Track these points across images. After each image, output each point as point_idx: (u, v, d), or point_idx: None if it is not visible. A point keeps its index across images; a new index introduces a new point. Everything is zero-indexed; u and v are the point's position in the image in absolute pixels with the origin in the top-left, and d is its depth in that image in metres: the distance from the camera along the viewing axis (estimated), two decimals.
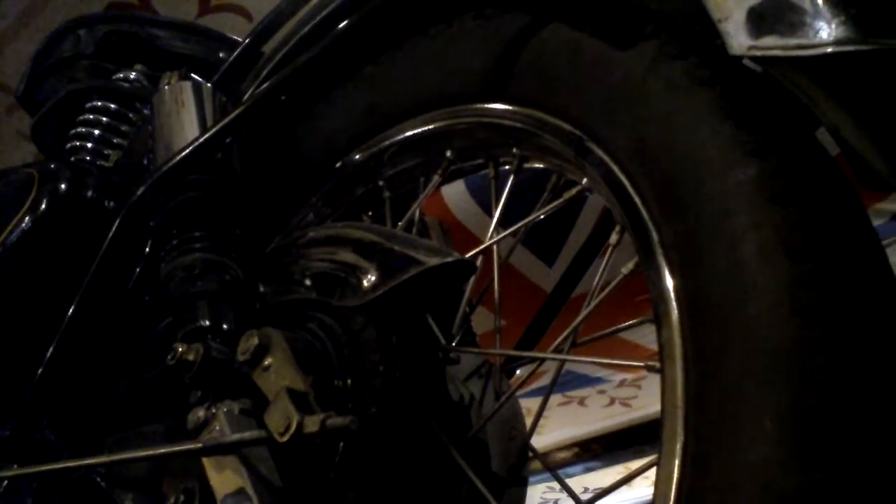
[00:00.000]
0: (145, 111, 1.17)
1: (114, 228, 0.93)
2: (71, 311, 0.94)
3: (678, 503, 0.58)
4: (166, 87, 1.01)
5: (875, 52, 0.59)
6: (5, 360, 0.98)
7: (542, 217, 0.87)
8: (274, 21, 1.07)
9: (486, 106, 0.89)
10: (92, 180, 1.01)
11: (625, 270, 0.74)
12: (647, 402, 4.32)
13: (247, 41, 1.10)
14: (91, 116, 1.17)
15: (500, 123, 0.88)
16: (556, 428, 3.86)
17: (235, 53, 1.10)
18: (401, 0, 0.92)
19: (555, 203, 0.85)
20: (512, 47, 0.85)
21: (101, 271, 0.94)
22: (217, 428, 0.71)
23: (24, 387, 0.95)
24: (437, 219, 1.10)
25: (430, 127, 0.94)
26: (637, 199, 0.71)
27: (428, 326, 0.81)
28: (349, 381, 0.73)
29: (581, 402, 4.07)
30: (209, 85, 1.01)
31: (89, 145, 1.15)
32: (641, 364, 0.69)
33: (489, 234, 0.88)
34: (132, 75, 1.21)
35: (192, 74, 1.04)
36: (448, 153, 0.95)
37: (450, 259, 0.72)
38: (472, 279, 0.87)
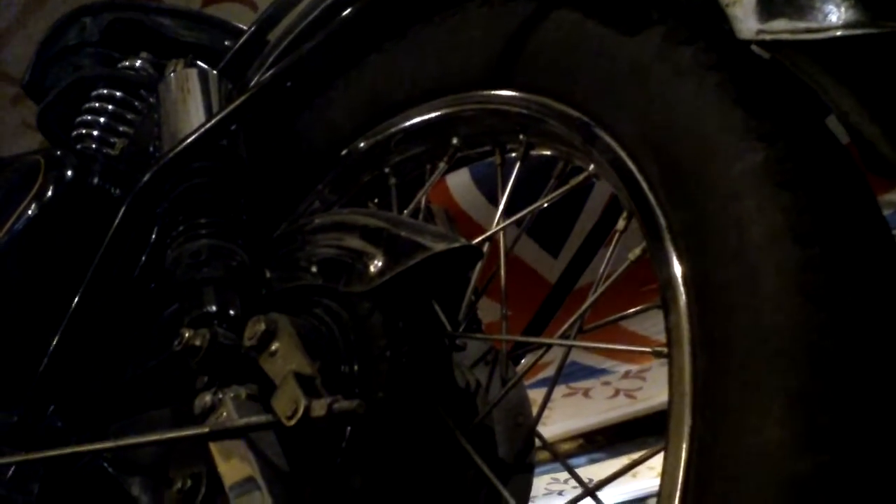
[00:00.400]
0: (151, 99, 1.17)
1: (120, 215, 0.93)
2: (77, 298, 0.94)
3: (686, 488, 0.58)
4: (172, 75, 1.00)
5: (884, 36, 0.58)
6: (12, 348, 0.98)
7: (547, 205, 0.87)
8: (278, 9, 1.07)
9: (492, 92, 0.89)
10: (98, 167, 1.01)
11: (631, 257, 0.74)
12: (651, 393, 4.32)
13: (252, 29, 1.10)
14: (96, 104, 1.17)
15: (507, 110, 0.88)
16: (560, 419, 3.86)
17: (240, 42, 1.10)
18: None
19: (561, 189, 0.84)
20: (518, 33, 0.85)
21: (107, 258, 0.94)
22: (224, 413, 0.71)
23: (31, 373, 0.95)
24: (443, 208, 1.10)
25: (436, 114, 0.94)
26: (644, 185, 0.71)
27: (434, 313, 0.81)
28: (356, 366, 0.74)
29: (586, 393, 4.07)
30: (215, 72, 1.01)
31: (95, 133, 1.15)
32: (649, 350, 0.69)
33: (495, 222, 0.87)
34: (137, 63, 1.21)
35: (198, 62, 1.04)
36: (454, 140, 0.95)
37: (456, 244, 0.72)
38: (479, 266, 0.86)
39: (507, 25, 0.86)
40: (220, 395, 0.73)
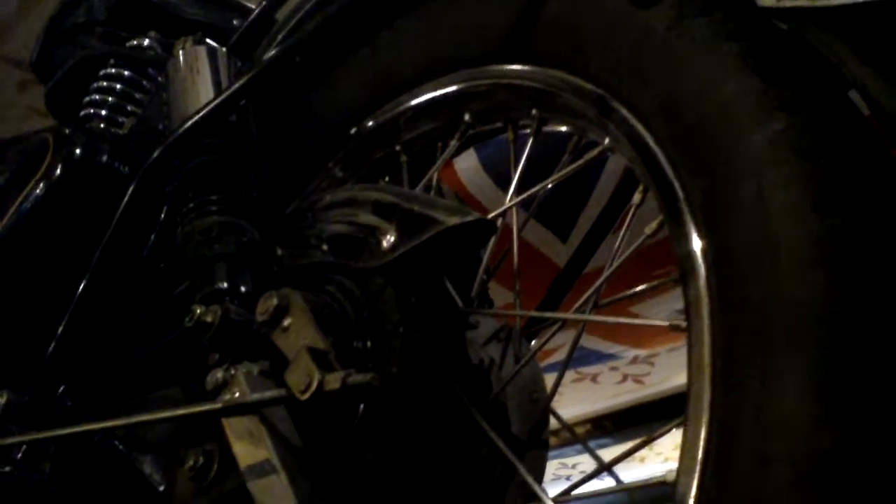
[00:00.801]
0: (159, 78, 1.16)
1: (129, 193, 0.92)
2: (87, 277, 0.94)
3: (706, 463, 0.57)
4: (181, 52, 1.00)
5: None
6: (22, 327, 0.98)
7: (558, 184, 0.86)
8: None
9: (505, 67, 0.87)
10: (107, 145, 1.00)
11: (648, 230, 0.73)
12: (660, 378, 4.32)
13: (260, 8, 1.09)
14: (104, 84, 1.16)
15: (519, 84, 0.86)
16: (569, 404, 3.86)
17: (249, 20, 1.09)
18: None
19: (575, 164, 0.83)
20: (531, 6, 0.84)
21: (117, 237, 0.94)
22: (236, 389, 0.70)
23: (41, 353, 0.95)
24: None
25: (448, 90, 0.93)
26: (662, 157, 0.69)
27: (446, 289, 0.80)
28: (369, 342, 0.73)
29: (594, 378, 4.06)
30: (224, 49, 1.00)
31: (103, 112, 1.14)
32: (665, 324, 0.68)
33: (508, 198, 0.86)
34: (145, 42, 1.20)
35: (207, 39, 1.03)
36: (466, 117, 0.94)
37: (470, 218, 0.71)
38: (491, 243, 0.85)
39: None
40: (232, 372, 0.72)
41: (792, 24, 0.66)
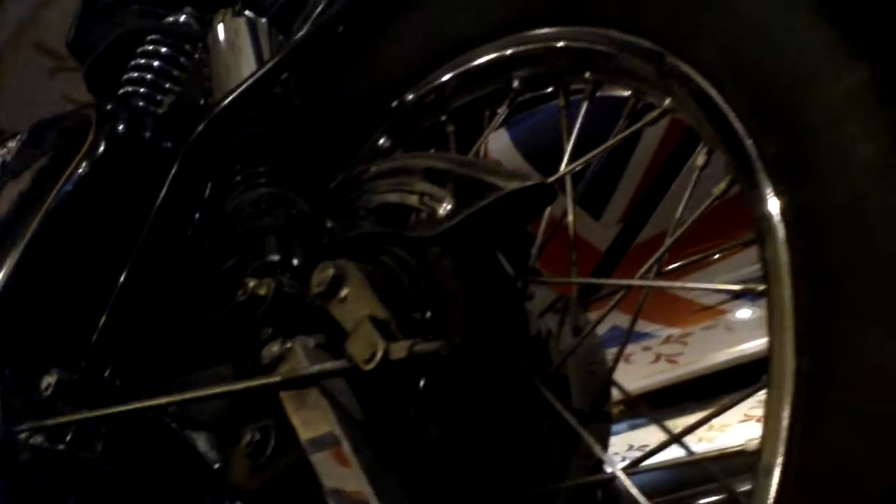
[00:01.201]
0: (196, 55, 1.15)
1: (174, 168, 0.91)
2: (133, 254, 0.93)
3: (793, 430, 0.54)
4: (220, 24, 0.98)
5: None
6: (69, 307, 0.97)
7: (617, 144, 0.83)
8: None
9: (556, 29, 0.85)
10: (150, 120, 0.98)
11: (716, 192, 0.70)
12: (693, 358, 4.27)
13: None
14: (142, 61, 1.14)
15: (572, 47, 0.83)
16: None
17: None
18: None
19: (632, 128, 0.80)
20: None
21: (163, 213, 0.92)
22: (294, 362, 0.68)
23: (89, 332, 0.94)
24: None
25: (495, 55, 0.90)
26: (731, 114, 0.66)
27: (500, 258, 0.77)
28: (428, 312, 0.71)
29: (627, 358, 4.04)
30: (264, 20, 0.98)
31: (142, 90, 1.12)
32: (738, 288, 0.66)
33: (563, 165, 0.84)
34: (181, 17, 1.18)
35: (246, 11, 1.01)
36: (515, 83, 0.91)
37: (530, 183, 0.69)
38: (547, 213, 0.83)
39: None
40: (289, 345, 0.70)
41: None
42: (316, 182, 0.89)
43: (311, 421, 0.66)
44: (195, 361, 0.89)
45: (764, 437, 0.56)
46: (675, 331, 3.99)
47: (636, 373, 4.09)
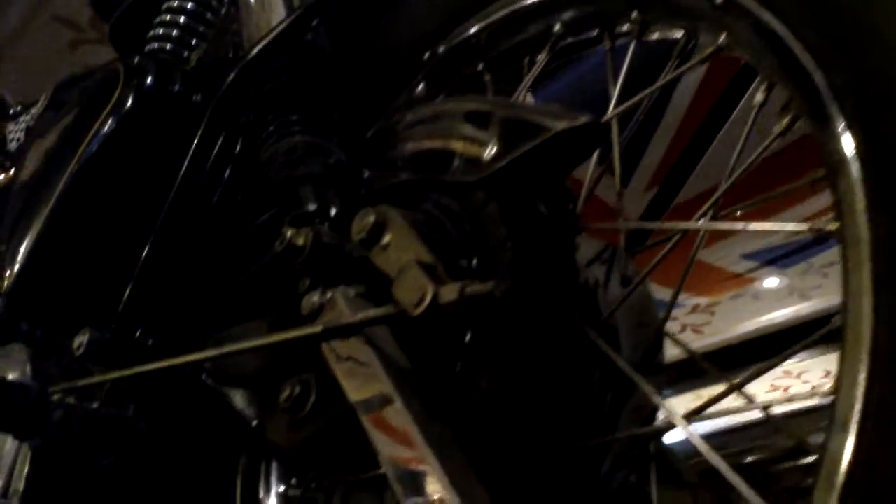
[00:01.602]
0: (223, 10, 1.12)
1: (205, 120, 0.88)
2: (164, 210, 0.90)
3: (872, 376, 0.51)
4: None
5: None
6: (100, 265, 0.95)
7: (666, 85, 0.79)
8: None
9: None
10: (178, 73, 0.96)
11: (777, 129, 0.66)
12: (719, 328, 4.22)
13: None
14: (168, 17, 1.11)
15: None
16: None
17: None
18: None
19: (687, 65, 0.77)
20: None
21: (194, 167, 0.90)
22: (336, 311, 0.66)
23: (121, 290, 0.92)
24: None
25: None
26: (796, 46, 0.62)
27: (548, 203, 0.74)
28: (474, 259, 0.68)
29: None
30: None
31: (168, 46, 1.10)
32: (806, 227, 0.62)
33: (610, 109, 0.80)
34: None
35: None
36: (556, 27, 0.87)
37: (581, 122, 0.65)
38: (595, 156, 0.79)
39: None
40: (329, 294, 0.68)
41: None
42: (352, 131, 0.86)
43: (356, 373, 0.64)
44: (230, 318, 0.87)
45: (839, 385, 0.53)
46: (703, 300, 3.94)
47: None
